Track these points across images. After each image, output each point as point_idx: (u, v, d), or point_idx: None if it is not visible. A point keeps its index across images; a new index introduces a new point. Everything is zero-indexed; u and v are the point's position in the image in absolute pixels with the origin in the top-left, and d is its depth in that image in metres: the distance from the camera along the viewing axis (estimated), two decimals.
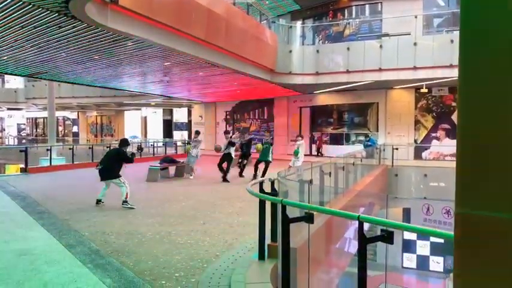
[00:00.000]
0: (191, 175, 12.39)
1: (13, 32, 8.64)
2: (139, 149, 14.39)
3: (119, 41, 9.36)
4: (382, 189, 13.79)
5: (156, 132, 31.44)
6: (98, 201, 8.16)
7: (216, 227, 6.52)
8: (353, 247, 6.33)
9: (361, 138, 18.74)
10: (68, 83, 18.02)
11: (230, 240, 5.74)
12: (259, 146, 11.98)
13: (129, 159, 8.12)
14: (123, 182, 7.99)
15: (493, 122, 0.96)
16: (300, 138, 12.31)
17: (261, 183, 5.24)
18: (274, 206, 4.71)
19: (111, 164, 7.99)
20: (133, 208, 7.83)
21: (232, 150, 11.84)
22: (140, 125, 32.46)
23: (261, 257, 4.68)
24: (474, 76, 0.99)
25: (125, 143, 8.41)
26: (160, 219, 7.09)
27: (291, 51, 16.68)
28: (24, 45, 9.74)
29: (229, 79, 15.68)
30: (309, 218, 3.66)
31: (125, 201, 7.90)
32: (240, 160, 12.51)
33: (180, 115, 31.58)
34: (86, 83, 17.12)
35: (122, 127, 33.62)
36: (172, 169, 13.19)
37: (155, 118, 32.27)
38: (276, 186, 5.11)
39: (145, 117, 32.21)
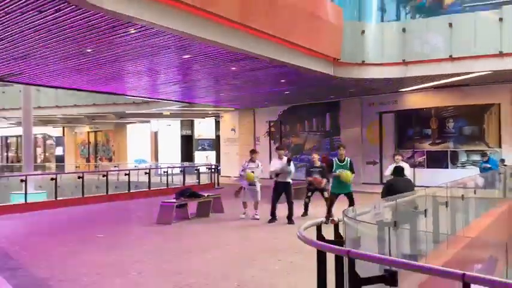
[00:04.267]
0: (245, 213, 12.91)
1: None
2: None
3: (119, 27, 9.73)
4: (509, 236, 13.09)
5: (171, 153, 32.29)
6: None
7: None
8: None
9: (476, 158, 18.47)
10: (50, 87, 18.68)
11: None
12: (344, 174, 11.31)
13: None
14: None
15: None
16: (398, 157, 11.74)
17: (318, 227, 5.23)
18: (339, 260, 4.66)
19: None
20: None
21: (289, 178, 12.24)
22: (150, 144, 33.42)
23: None
24: None
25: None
26: (177, 278, 7.17)
27: (363, 32, 16.67)
28: None
29: (273, 75, 15.82)
30: (391, 278, 3.59)
31: None
32: (308, 194, 13.19)
33: (204, 129, 32.73)
34: (74, 86, 17.70)
35: (124, 147, 34.82)
36: (193, 206, 13.36)
37: (170, 133, 33.20)
38: (341, 230, 5.07)
39: (156, 133, 33.23)
